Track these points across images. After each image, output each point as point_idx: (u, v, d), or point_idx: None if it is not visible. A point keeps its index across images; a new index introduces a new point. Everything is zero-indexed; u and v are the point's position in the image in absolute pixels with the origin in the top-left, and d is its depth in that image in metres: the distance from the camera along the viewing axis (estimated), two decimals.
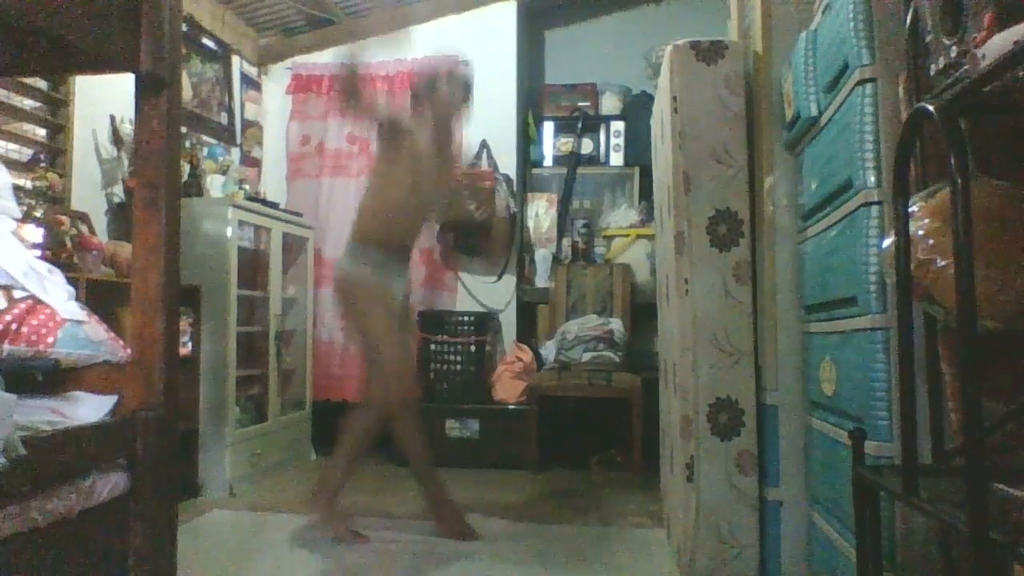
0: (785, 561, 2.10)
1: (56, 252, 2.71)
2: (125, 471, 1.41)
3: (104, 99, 3.20)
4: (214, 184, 3.71)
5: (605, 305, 4.17)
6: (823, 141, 1.83)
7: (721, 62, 2.23)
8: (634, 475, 3.64)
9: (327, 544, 2.62)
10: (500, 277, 4.25)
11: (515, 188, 4.37)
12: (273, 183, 4.57)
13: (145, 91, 1.45)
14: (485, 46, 4.29)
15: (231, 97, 4.28)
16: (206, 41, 4.04)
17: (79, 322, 1.53)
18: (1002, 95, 1.07)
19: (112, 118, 3.28)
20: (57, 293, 1.57)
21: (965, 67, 1.14)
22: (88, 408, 1.42)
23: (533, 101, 4.71)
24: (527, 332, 4.41)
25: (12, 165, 2.79)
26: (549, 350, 3.98)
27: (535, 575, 2.38)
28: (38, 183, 2.88)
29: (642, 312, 4.08)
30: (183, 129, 3.55)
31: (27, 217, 2.65)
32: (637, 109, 4.45)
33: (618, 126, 4.52)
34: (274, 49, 4.63)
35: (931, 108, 1.08)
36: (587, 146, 4.55)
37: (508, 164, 4.38)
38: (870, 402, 1.51)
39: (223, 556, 2.52)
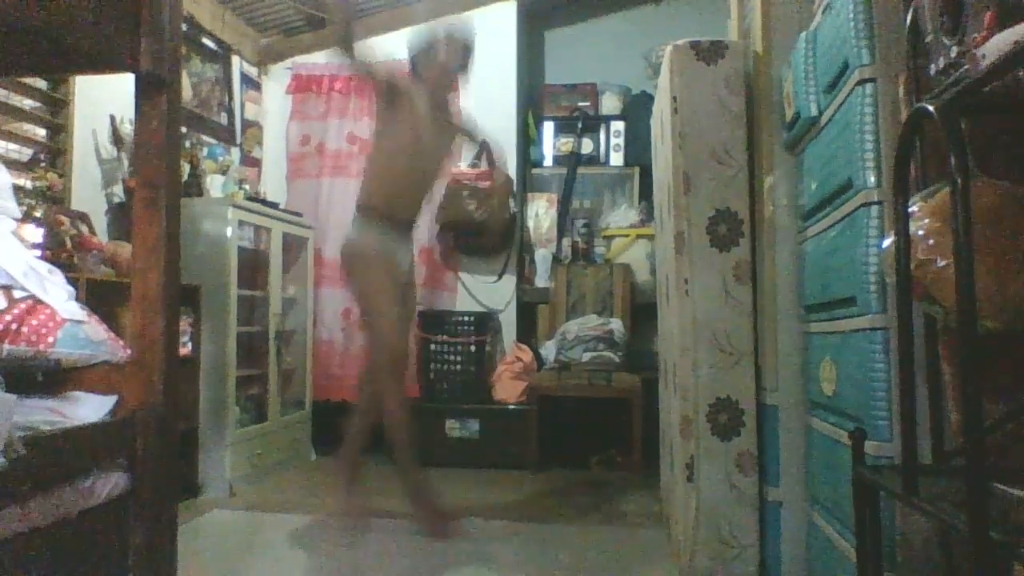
0: (785, 561, 2.09)
1: (56, 252, 2.70)
2: (125, 471, 1.41)
3: (104, 99, 3.20)
4: (214, 184, 3.71)
5: (605, 305, 4.17)
6: (823, 141, 1.83)
7: (721, 62, 2.23)
8: (634, 475, 3.64)
9: (327, 544, 2.62)
10: (500, 277, 4.25)
11: (515, 188, 4.36)
12: (273, 183, 4.57)
13: (145, 91, 1.45)
14: (485, 46, 4.25)
15: (231, 97, 4.27)
16: (206, 41, 4.03)
17: (79, 322, 1.53)
18: (1002, 95, 1.08)
19: (112, 118, 3.27)
20: (57, 293, 1.57)
21: (965, 67, 1.14)
22: (88, 408, 1.42)
23: (533, 101, 4.71)
24: (527, 332, 4.41)
25: (12, 165, 2.79)
26: (549, 350, 3.98)
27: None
28: (38, 183, 2.88)
29: (642, 312, 4.08)
30: (183, 129, 3.55)
31: (27, 217, 2.65)
32: (637, 109, 4.45)
33: (618, 126, 4.52)
34: (274, 49, 4.63)
35: (931, 108, 1.08)
36: (587, 146, 4.54)
37: (508, 164, 4.37)
38: (870, 402, 1.51)
39: (223, 556, 2.53)
